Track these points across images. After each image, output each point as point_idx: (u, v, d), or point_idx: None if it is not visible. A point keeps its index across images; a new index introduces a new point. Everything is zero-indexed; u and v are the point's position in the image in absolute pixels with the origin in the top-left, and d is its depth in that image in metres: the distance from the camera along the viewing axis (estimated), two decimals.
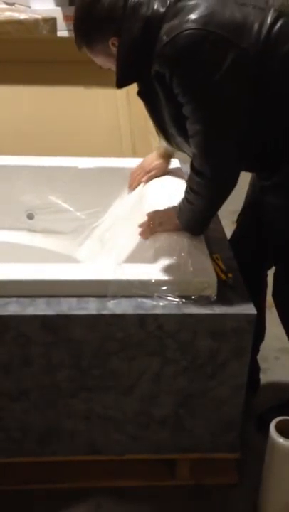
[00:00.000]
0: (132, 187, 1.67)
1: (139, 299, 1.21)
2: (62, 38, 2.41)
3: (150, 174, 1.63)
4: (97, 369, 1.23)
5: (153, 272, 1.23)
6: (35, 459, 1.33)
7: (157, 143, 2.29)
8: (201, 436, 1.33)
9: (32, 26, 2.51)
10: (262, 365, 1.86)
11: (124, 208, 1.70)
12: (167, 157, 1.64)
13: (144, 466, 1.37)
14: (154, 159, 1.65)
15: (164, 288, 1.21)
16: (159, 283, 1.21)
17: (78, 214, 1.76)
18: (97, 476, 1.38)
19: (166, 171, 1.65)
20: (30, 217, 1.77)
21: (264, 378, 1.81)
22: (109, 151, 2.07)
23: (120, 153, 2.11)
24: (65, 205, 1.76)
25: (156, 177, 1.63)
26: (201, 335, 1.21)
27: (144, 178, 1.64)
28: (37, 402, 1.25)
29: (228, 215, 2.66)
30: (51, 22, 2.54)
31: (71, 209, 1.76)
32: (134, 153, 2.17)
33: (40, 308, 1.16)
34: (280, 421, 1.32)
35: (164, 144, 1.50)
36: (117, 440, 1.32)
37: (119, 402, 1.27)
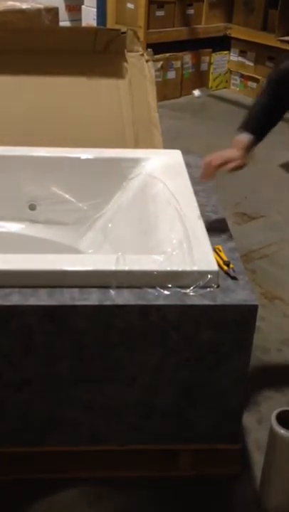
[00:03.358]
0: (206, 178, 1.51)
1: (142, 290, 1.20)
2: (64, 28, 2.39)
3: (229, 166, 1.46)
4: (99, 359, 1.23)
5: (155, 262, 1.23)
6: (36, 448, 1.34)
7: (159, 134, 2.29)
8: (202, 426, 1.34)
9: (34, 16, 2.50)
10: (263, 357, 1.86)
11: (126, 199, 1.70)
12: (246, 150, 1.50)
13: (145, 456, 1.37)
14: (233, 151, 1.49)
15: (166, 278, 1.21)
16: (162, 274, 1.21)
17: (80, 205, 1.76)
18: (98, 466, 1.39)
19: (244, 165, 1.49)
20: (33, 208, 1.77)
21: (266, 371, 1.81)
22: (111, 141, 2.06)
23: (123, 144, 2.10)
24: (68, 196, 1.75)
25: (234, 170, 1.47)
26: (203, 326, 1.21)
27: (222, 169, 1.47)
28: (38, 392, 1.26)
29: (230, 207, 2.67)
30: (53, 12, 2.53)
31: (73, 200, 1.76)
32: (136, 144, 2.16)
33: (42, 298, 1.16)
34: (281, 411, 1.33)
35: (244, 136, 1.47)
36: (118, 430, 1.33)
37: (120, 392, 1.27)
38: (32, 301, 1.16)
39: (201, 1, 4.06)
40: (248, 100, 4.21)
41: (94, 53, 2.26)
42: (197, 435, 1.35)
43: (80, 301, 1.17)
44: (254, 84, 4.25)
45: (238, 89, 4.35)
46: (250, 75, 4.26)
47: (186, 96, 4.20)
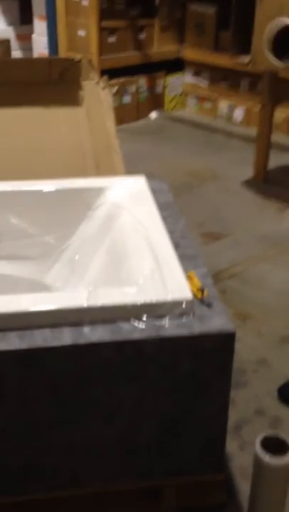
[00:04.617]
0: None
1: (116, 324, 1.17)
2: (17, 60, 2.36)
3: None
4: (75, 400, 1.19)
5: (128, 294, 1.20)
6: (15, 498, 1.28)
7: (121, 160, 2.28)
8: (186, 458, 1.30)
9: None
10: (240, 378, 1.84)
11: (92, 229, 1.67)
12: None
13: (128, 495, 1.33)
14: None
15: (141, 310, 1.18)
16: (135, 306, 1.18)
17: (45, 238, 1.72)
18: (82, 510, 1.33)
19: None
20: None
21: (244, 393, 1.79)
22: (72, 170, 2.04)
23: (84, 172, 2.09)
24: (31, 230, 1.71)
25: None
26: (181, 356, 1.18)
27: None
28: (14, 440, 1.20)
29: (196, 227, 2.66)
30: (5, 44, 2.50)
31: (37, 233, 1.71)
32: (98, 172, 2.14)
33: (12, 342, 1.12)
34: (266, 437, 1.30)
35: None
36: (100, 471, 1.28)
37: (100, 431, 1.23)
38: (2, 346, 1.11)
39: (152, 25, 4.10)
40: (205, 120, 4.26)
41: (49, 83, 2.25)
42: (181, 468, 1.31)
43: (53, 341, 1.13)
44: (209, 105, 4.30)
45: (194, 110, 4.39)
46: (205, 95, 4.31)
47: (143, 119, 4.22)
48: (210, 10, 4.10)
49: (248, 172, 3.29)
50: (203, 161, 3.52)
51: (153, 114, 4.25)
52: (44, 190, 1.72)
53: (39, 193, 1.72)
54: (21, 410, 1.17)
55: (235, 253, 2.51)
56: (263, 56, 2.73)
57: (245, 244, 2.59)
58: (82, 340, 1.13)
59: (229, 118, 4.19)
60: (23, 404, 1.17)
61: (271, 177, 3.25)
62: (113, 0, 3.85)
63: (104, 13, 3.78)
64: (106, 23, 3.80)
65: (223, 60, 4.05)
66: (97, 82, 2.26)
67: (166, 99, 4.35)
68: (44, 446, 1.22)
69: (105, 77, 2.25)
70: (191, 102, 4.40)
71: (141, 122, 4.19)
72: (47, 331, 1.15)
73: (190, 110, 4.41)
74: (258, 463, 1.30)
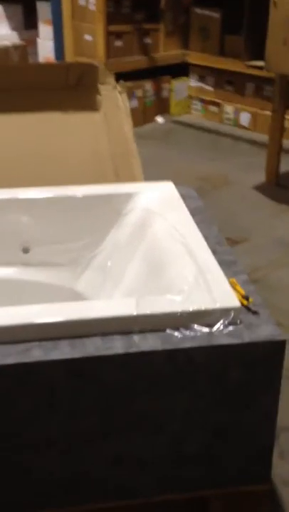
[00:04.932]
0: None
1: (165, 332, 1.15)
2: (35, 65, 2.35)
3: None
4: (124, 410, 1.17)
5: (176, 303, 1.18)
6: (62, 510, 1.25)
7: (139, 165, 2.26)
8: (232, 469, 1.28)
9: (2, 54, 2.45)
10: None
11: (124, 236, 1.65)
12: None
13: (175, 506, 1.31)
14: None
15: (190, 319, 1.16)
16: (185, 314, 1.16)
17: (75, 244, 1.70)
18: None
19: None
20: (26, 251, 1.70)
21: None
22: (91, 176, 2.02)
23: (103, 178, 2.07)
24: (61, 236, 1.70)
25: None
26: (231, 365, 1.16)
27: None
28: (63, 451, 1.18)
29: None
30: (21, 48, 2.49)
31: (67, 240, 1.70)
32: (117, 177, 2.13)
33: (64, 351, 1.10)
34: None
35: None
36: (146, 482, 1.26)
37: (149, 442, 1.21)
38: (54, 355, 1.09)
39: (157, 29, 4.09)
40: (211, 124, 4.26)
41: (67, 88, 2.24)
42: (227, 478, 1.30)
43: (105, 350, 1.11)
44: (215, 109, 4.29)
45: (199, 114, 4.39)
46: (211, 99, 4.30)
47: (149, 123, 4.21)
48: (215, 14, 4.11)
49: (260, 176, 3.28)
50: (212, 166, 3.52)
51: (159, 119, 4.24)
52: (73, 196, 1.70)
53: (68, 198, 1.70)
54: (70, 421, 1.15)
55: (254, 259, 2.50)
56: (277, 60, 2.72)
57: (263, 249, 2.58)
58: (133, 349, 1.12)
59: (236, 122, 4.19)
60: (73, 414, 1.15)
61: (283, 181, 3.25)
62: (119, 4, 3.85)
63: (111, 17, 3.78)
64: (112, 28, 3.79)
65: (227, 65, 4.06)
66: (115, 87, 2.25)
67: (172, 104, 4.35)
68: (92, 457, 1.20)
69: (122, 82, 2.24)
70: (197, 106, 4.40)
71: (147, 127, 4.18)
72: (98, 340, 1.13)
73: (196, 114, 4.41)
74: None
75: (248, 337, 1.16)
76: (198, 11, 4.16)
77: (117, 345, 1.12)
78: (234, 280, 1.33)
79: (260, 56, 3.08)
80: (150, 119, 4.21)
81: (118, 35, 3.85)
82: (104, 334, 1.14)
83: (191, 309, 1.17)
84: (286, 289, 2.28)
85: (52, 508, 1.25)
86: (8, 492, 1.21)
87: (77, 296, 1.64)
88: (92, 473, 1.22)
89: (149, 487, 1.27)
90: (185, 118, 4.37)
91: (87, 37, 3.84)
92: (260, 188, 3.19)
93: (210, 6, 4.11)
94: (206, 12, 4.13)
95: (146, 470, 1.24)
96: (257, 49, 3.45)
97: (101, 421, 1.17)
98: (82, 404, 1.14)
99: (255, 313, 1.23)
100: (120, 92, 2.25)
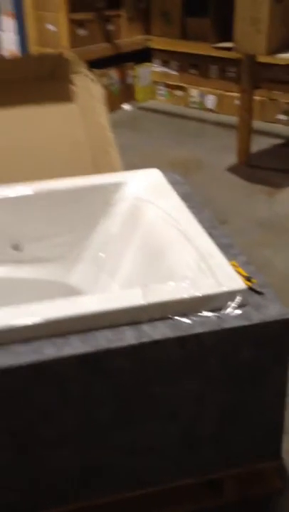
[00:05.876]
0: None
1: (174, 320, 1.16)
2: (5, 58, 2.30)
3: None
4: (139, 398, 1.17)
5: (183, 289, 1.18)
6: (79, 504, 1.25)
7: (117, 153, 2.25)
8: (245, 447, 1.30)
9: None
10: None
11: (115, 226, 1.64)
12: None
13: (190, 489, 1.32)
14: None
15: (198, 304, 1.17)
16: (193, 300, 1.17)
17: (65, 238, 1.68)
18: (143, 508, 1.32)
19: None
20: (16, 248, 1.67)
21: None
22: (69, 167, 2.00)
23: (82, 169, 2.05)
24: (50, 231, 1.68)
25: None
26: (241, 347, 1.18)
27: None
28: (80, 444, 1.18)
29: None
30: None
31: (57, 234, 1.68)
32: (95, 167, 2.12)
33: (76, 346, 1.09)
34: None
35: None
36: (161, 468, 1.27)
37: (162, 428, 1.21)
38: (68, 350, 1.08)
39: (119, 16, 4.05)
40: (177, 109, 4.25)
41: (39, 80, 2.20)
42: (240, 457, 1.31)
43: (117, 342, 1.10)
44: (180, 93, 4.29)
45: (164, 99, 4.38)
46: (175, 83, 4.29)
47: (116, 111, 4.18)
48: None
49: (231, 158, 3.30)
50: (183, 150, 3.52)
51: (126, 106, 4.22)
52: (59, 190, 1.68)
53: (54, 192, 1.68)
54: (85, 414, 1.15)
55: (236, 240, 2.50)
56: (246, 41, 2.73)
57: (244, 230, 2.60)
58: (145, 339, 1.11)
59: (201, 105, 4.20)
60: (87, 407, 1.14)
61: (254, 162, 3.27)
62: None
63: (72, 6, 3.72)
64: (75, 16, 3.74)
65: (190, 48, 4.05)
66: (87, 76, 2.22)
67: (137, 90, 4.32)
68: (108, 448, 1.20)
69: (93, 70, 2.22)
70: (162, 91, 4.38)
71: (115, 114, 4.15)
72: (108, 332, 1.12)
73: (161, 99, 4.39)
74: None
75: (256, 318, 1.17)
76: None
77: (127, 336, 1.12)
78: (235, 263, 1.34)
79: (227, 38, 3.08)
80: (117, 106, 4.18)
81: (81, 24, 3.80)
82: (113, 326, 1.13)
83: (198, 295, 1.17)
84: (268, 268, 2.30)
85: (70, 501, 1.24)
86: (28, 488, 1.20)
87: (71, 291, 1.62)
88: (108, 464, 1.22)
89: (165, 474, 1.28)
90: (151, 104, 4.35)
91: (50, 27, 3.78)
92: (233, 170, 3.20)
93: None
94: None
95: (162, 456, 1.25)
96: (223, 30, 3.45)
97: (116, 412, 1.17)
98: (96, 397, 1.14)
99: (260, 293, 1.24)
100: (93, 81, 2.23)
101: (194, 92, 4.22)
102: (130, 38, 4.13)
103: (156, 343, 1.12)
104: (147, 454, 1.24)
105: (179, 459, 1.26)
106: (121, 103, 4.21)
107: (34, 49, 3.79)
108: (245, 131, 3.21)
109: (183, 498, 1.33)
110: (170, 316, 1.16)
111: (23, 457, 1.16)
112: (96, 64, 3.93)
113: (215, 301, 1.18)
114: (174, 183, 1.71)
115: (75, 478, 1.22)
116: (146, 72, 4.34)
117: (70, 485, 1.23)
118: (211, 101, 4.18)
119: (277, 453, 1.34)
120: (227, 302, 1.18)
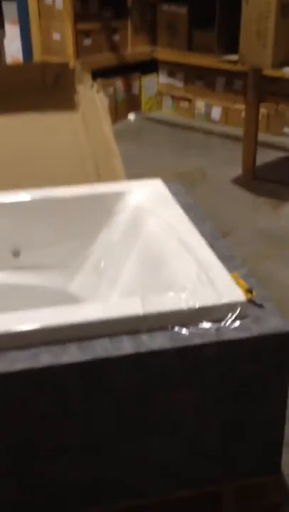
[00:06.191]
0: None
1: (173, 331, 1.14)
2: (10, 66, 2.31)
3: None
4: (136, 411, 1.15)
5: (182, 300, 1.17)
6: None
7: (120, 164, 2.25)
8: (245, 461, 1.28)
9: None
10: None
11: (117, 235, 1.63)
12: None
13: (189, 501, 1.30)
14: None
15: (197, 315, 1.16)
16: (192, 311, 1.15)
17: (66, 246, 1.68)
18: None
19: None
20: (16, 254, 1.67)
21: None
22: (73, 176, 2.00)
23: (85, 178, 2.05)
24: (52, 239, 1.67)
25: None
26: (240, 359, 1.16)
27: None
28: (78, 455, 1.16)
29: None
30: None
31: (58, 242, 1.67)
32: (98, 177, 2.11)
33: (74, 354, 1.08)
34: None
35: None
36: (162, 481, 1.25)
37: (162, 441, 1.20)
38: (65, 358, 1.07)
39: (125, 26, 4.07)
40: (182, 120, 4.26)
41: (44, 89, 2.21)
42: (239, 471, 1.29)
43: (115, 351, 1.09)
44: (186, 104, 4.30)
45: (170, 110, 4.39)
46: (181, 95, 4.30)
47: (121, 121, 4.19)
48: (182, 10, 4.11)
49: (236, 170, 3.29)
50: (188, 162, 3.52)
51: (131, 116, 4.23)
52: (62, 198, 1.68)
53: (56, 200, 1.68)
54: (85, 425, 1.13)
55: (239, 252, 2.50)
56: (251, 54, 2.74)
57: (246, 242, 2.59)
58: (143, 349, 1.10)
59: (207, 117, 4.20)
60: (87, 418, 1.13)
61: (259, 174, 3.27)
62: (86, 2, 3.82)
63: (78, 16, 3.75)
64: (81, 26, 3.76)
65: (196, 60, 4.06)
66: (92, 86, 2.23)
67: (143, 100, 4.33)
68: (106, 459, 1.18)
69: (98, 81, 2.23)
70: (167, 102, 4.39)
71: (119, 124, 4.16)
72: (106, 341, 1.11)
73: (166, 110, 4.40)
74: None
75: (256, 330, 1.16)
76: (165, 7, 4.15)
77: (126, 346, 1.11)
78: (236, 274, 1.33)
79: (233, 50, 3.09)
80: (122, 116, 4.19)
81: (86, 34, 3.82)
82: (111, 335, 1.12)
83: (197, 306, 1.16)
84: (276, 279, 2.30)
85: None
86: (24, 500, 1.19)
87: (71, 299, 1.62)
88: (106, 476, 1.21)
89: (164, 485, 1.26)
90: (156, 114, 4.36)
91: (56, 36, 3.80)
92: (238, 182, 3.20)
93: (177, 2, 4.11)
94: (173, 8, 4.12)
95: (162, 469, 1.23)
96: (229, 43, 3.46)
97: (114, 422, 1.15)
98: (94, 408, 1.12)
99: (260, 306, 1.23)
100: (97, 91, 2.23)
101: (200, 104, 4.23)
102: (136, 49, 4.14)
103: (154, 354, 1.10)
104: (147, 467, 1.22)
105: (179, 471, 1.25)
106: (126, 113, 4.22)
107: (38, 57, 3.81)
108: (251, 144, 3.21)
109: (182, 511, 1.31)
110: (169, 326, 1.15)
111: (19, 468, 1.15)
112: (101, 74, 3.95)
113: (214, 313, 1.17)
114: (176, 194, 1.70)
115: (74, 489, 1.21)
116: (152, 83, 4.35)
117: (70, 496, 1.21)
118: (216, 113, 4.18)
119: (277, 467, 1.32)
120: (227, 314, 1.17)
